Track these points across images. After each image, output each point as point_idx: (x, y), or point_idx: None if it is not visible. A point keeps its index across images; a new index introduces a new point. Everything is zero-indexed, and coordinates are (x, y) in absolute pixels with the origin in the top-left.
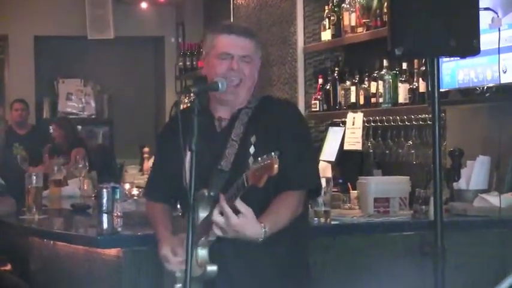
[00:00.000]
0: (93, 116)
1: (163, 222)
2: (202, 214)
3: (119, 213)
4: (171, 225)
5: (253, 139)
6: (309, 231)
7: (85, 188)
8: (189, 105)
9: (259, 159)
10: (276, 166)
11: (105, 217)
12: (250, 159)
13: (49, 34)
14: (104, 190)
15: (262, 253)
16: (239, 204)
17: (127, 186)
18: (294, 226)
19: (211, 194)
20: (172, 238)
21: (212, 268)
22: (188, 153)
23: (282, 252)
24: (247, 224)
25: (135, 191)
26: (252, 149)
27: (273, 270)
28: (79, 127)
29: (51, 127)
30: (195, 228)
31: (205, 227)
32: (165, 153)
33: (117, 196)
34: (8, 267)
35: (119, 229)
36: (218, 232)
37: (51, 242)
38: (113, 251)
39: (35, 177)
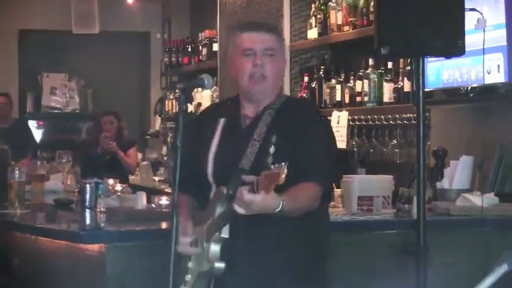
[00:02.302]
0: (77, 111)
1: (182, 211)
2: (220, 211)
3: (102, 209)
4: (190, 215)
5: (273, 139)
6: (327, 234)
7: (68, 183)
8: (223, 100)
9: (272, 166)
10: (283, 176)
11: (88, 212)
12: (270, 159)
13: (34, 28)
14: (87, 185)
15: (273, 253)
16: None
17: (111, 181)
18: (308, 226)
19: (230, 192)
20: (185, 222)
21: (220, 265)
22: (212, 148)
23: (294, 253)
24: (266, 198)
25: (118, 187)
26: (272, 149)
27: (284, 271)
28: (62, 122)
29: (103, 119)
30: (194, 223)
31: (220, 223)
32: (193, 146)
33: (100, 192)
34: None
35: (102, 224)
36: (240, 210)
37: (34, 236)
38: (95, 247)
39: (17, 172)
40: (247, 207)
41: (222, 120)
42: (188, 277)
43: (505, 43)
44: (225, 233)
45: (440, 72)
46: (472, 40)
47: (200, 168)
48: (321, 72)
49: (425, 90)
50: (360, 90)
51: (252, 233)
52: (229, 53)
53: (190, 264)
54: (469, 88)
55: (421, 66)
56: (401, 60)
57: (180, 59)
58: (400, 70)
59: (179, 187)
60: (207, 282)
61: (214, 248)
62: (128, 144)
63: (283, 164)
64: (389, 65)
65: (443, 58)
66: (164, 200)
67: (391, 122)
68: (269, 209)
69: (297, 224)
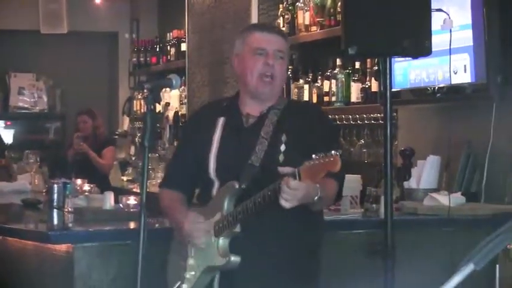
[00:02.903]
0: (45, 111)
1: (180, 207)
2: (229, 206)
3: (69, 209)
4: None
5: (283, 138)
6: (324, 229)
7: (36, 183)
8: (216, 100)
9: (314, 156)
10: (339, 164)
11: (55, 212)
12: (281, 156)
13: (1, 28)
14: (55, 185)
15: (280, 247)
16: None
17: (78, 181)
18: (315, 222)
19: (243, 187)
20: (190, 213)
21: (236, 259)
22: (214, 145)
23: (303, 247)
24: (309, 185)
25: (86, 187)
26: (282, 147)
27: (291, 264)
28: (30, 122)
29: (78, 118)
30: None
31: (232, 219)
32: (189, 144)
33: (68, 191)
34: None
35: (70, 225)
36: (285, 203)
37: (1, 237)
38: (63, 247)
39: None
40: (293, 197)
41: (221, 119)
42: (191, 274)
43: (471, 43)
44: (237, 228)
45: (407, 72)
46: (438, 40)
47: (199, 166)
48: (289, 72)
49: (393, 90)
50: (327, 90)
51: (262, 226)
52: (236, 50)
53: (191, 261)
54: (436, 88)
55: (388, 67)
56: (368, 60)
57: (148, 58)
58: (368, 70)
59: (170, 185)
60: (212, 277)
61: (224, 242)
62: (104, 144)
63: (333, 152)
64: (357, 65)
65: (410, 58)
66: (132, 200)
67: (358, 121)
68: (310, 197)
69: (307, 218)
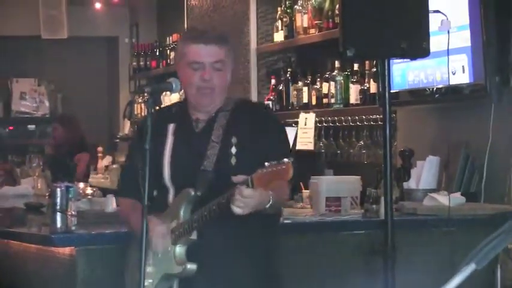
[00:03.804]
0: (47, 116)
1: (137, 215)
2: (185, 213)
3: (72, 212)
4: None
5: (234, 140)
6: (279, 232)
7: (39, 186)
8: (165, 106)
9: (267, 164)
10: (291, 172)
11: (58, 216)
12: (233, 159)
13: (3, 34)
14: (58, 189)
15: (237, 253)
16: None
17: (81, 185)
18: (270, 226)
19: (198, 193)
20: (149, 218)
21: (192, 267)
22: (167, 152)
23: (261, 250)
24: (262, 193)
25: (89, 190)
26: (233, 150)
27: (251, 268)
28: (33, 126)
29: (53, 125)
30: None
31: (188, 226)
32: (138, 154)
33: (71, 195)
34: None
35: (73, 228)
36: (238, 210)
37: (5, 240)
38: (66, 250)
39: None
40: (245, 205)
41: (172, 126)
42: (149, 281)
43: (469, 44)
44: (194, 235)
45: (405, 73)
46: (436, 41)
47: (153, 173)
48: (288, 75)
49: (391, 91)
50: (326, 92)
51: (218, 233)
52: (176, 59)
53: (149, 269)
54: (435, 89)
55: (386, 68)
56: (367, 62)
57: (148, 62)
58: (366, 72)
59: (126, 193)
60: (170, 285)
61: (180, 250)
62: (78, 151)
63: (285, 160)
64: (356, 66)
65: (408, 60)
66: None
67: (357, 123)
68: (263, 204)
69: (262, 223)
